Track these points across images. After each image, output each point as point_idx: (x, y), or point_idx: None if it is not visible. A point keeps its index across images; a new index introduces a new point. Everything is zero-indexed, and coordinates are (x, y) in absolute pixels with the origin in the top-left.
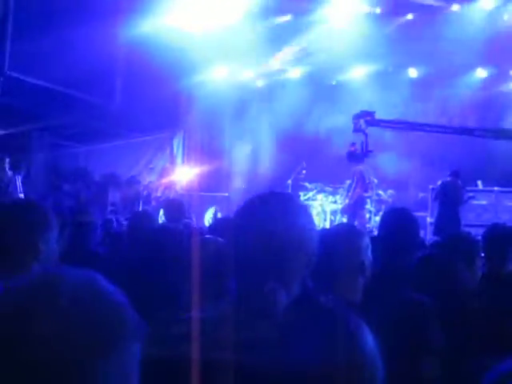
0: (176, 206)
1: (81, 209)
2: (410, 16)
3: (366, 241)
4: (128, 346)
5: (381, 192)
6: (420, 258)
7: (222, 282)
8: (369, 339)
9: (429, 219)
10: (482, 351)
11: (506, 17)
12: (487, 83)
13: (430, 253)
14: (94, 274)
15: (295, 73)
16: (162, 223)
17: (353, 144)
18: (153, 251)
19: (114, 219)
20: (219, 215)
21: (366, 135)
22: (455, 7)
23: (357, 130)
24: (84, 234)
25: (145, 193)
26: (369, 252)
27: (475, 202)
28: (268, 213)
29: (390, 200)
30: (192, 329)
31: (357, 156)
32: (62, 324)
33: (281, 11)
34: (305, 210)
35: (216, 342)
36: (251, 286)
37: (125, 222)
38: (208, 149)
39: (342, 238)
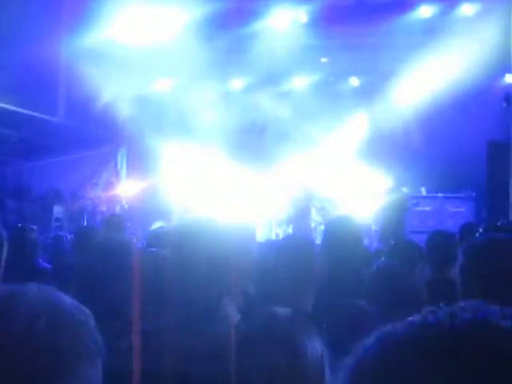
0: (116, 221)
1: (23, 225)
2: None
3: (316, 251)
4: (88, 365)
5: (325, 204)
6: (363, 265)
7: (163, 293)
8: (313, 346)
9: (373, 227)
10: None
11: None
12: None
13: (372, 260)
14: (53, 291)
15: (238, 84)
16: (107, 236)
17: None
18: (99, 264)
19: (64, 235)
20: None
21: None
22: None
23: None
24: (27, 250)
25: (89, 208)
26: (318, 261)
27: (419, 209)
28: (210, 231)
29: (336, 211)
30: (138, 341)
31: None
32: (20, 344)
33: (222, 23)
34: (242, 232)
35: (162, 353)
36: (197, 296)
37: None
38: (152, 162)
39: (293, 248)
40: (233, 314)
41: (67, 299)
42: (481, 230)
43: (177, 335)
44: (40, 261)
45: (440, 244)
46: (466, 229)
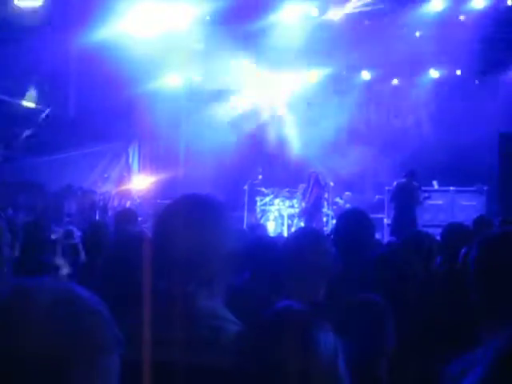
0: (128, 216)
1: (37, 223)
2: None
3: (329, 244)
4: (105, 358)
5: (338, 200)
6: (374, 258)
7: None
8: (326, 340)
9: (386, 220)
10: (431, 349)
11: (461, 17)
12: (439, 83)
13: (383, 252)
14: (71, 285)
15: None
16: (124, 231)
17: None
18: (119, 259)
19: (74, 230)
20: None
21: None
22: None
23: None
24: (41, 249)
25: (101, 202)
26: (331, 254)
27: (431, 202)
28: (187, 217)
29: (348, 205)
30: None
31: None
32: (39, 336)
33: (232, 17)
34: (224, 213)
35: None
36: (174, 288)
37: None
38: (164, 156)
39: (307, 242)
40: (210, 307)
41: (84, 291)
42: (497, 224)
43: (153, 328)
44: (51, 256)
45: (455, 236)
46: (480, 222)
